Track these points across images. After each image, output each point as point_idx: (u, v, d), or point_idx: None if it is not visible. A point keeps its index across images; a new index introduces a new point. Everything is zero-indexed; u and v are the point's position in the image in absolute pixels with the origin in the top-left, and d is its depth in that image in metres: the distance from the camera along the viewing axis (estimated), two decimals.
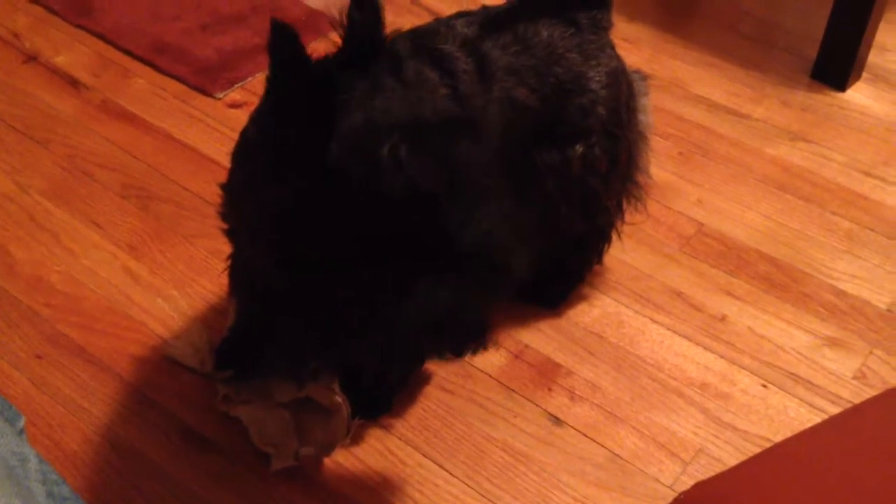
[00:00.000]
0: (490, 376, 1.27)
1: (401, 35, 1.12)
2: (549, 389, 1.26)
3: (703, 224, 1.50)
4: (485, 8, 1.18)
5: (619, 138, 1.22)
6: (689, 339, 1.33)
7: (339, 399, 1.15)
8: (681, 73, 1.80)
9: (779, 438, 1.20)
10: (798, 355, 1.31)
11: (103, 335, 1.29)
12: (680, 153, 1.63)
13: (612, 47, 1.22)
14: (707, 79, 1.79)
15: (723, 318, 1.36)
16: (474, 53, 1.10)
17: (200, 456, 1.17)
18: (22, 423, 0.79)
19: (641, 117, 1.27)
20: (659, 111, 1.70)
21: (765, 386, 1.28)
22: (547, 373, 1.28)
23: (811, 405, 1.25)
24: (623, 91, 1.22)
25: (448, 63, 1.07)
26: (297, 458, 1.14)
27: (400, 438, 1.20)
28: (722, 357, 1.31)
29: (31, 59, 1.75)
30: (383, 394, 1.22)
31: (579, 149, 1.18)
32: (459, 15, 1.17)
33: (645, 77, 1.28)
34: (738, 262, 1.44)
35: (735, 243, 1.47)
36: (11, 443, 0.73)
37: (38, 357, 1.26)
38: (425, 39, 1.10)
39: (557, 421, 1.23)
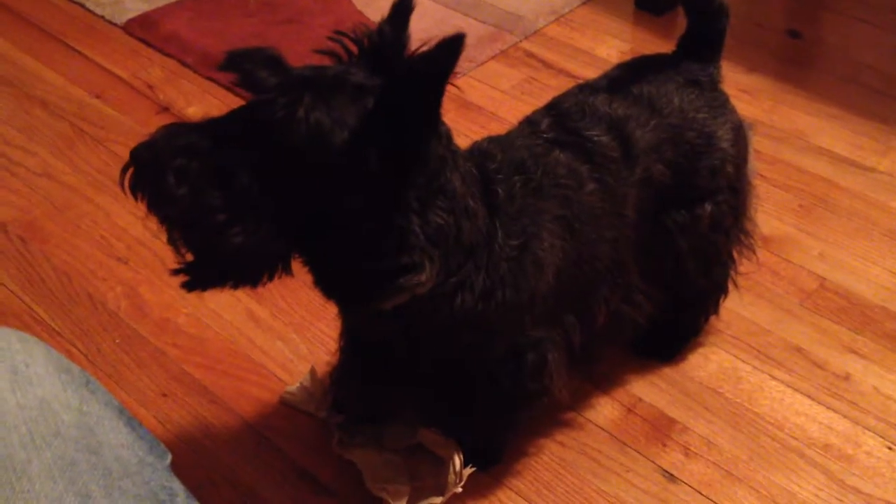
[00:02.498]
0: (602, 429, 1.26)
1: (542, 111, 1.15)
2: (664, 445, 1.24)
3: (825, 279, 1.46)
4: (607, 77, 1.19)
5: (740, 192, 1.21)
6: (811, 398, 1.29)
7: (451, 447, 1.16)
8: (801, 124, 1.77)
9: None
10: None
11: (225, 376, 1.34)
12: (801, 206, 1.60)
13: (729, 100, 1.22)
14: (829, 130, 1.75)
15: (846, 377, 1.32)
16: (619, 136, 1.10)
17: (315, 497, 1.19)
18: (169, 459, 0.82)
19: (750, 166, 1.25)
20: (779, 162, 1.67)
21: (891, 448, 1.23)
22: (661, 427, 1.26)
23: None
24: (743, 145, 1.21)
25: (597, 155, 1.09)
26: None
27: (510, 489, 1.20)
28: (845, 417, 1.27)
29: (164, 109, 1.84)
30: (494, 444, 1.23)
31: (708, 207, 1.17)
32: (591, 90, 1.16)
33: (751, 125, 1.26)
34: (862, 318, 1.40)
35: (859, 299, 1.42)
36: (161, 477, 0.76)
37: (164, 395, 1.31)
38: (571, 122, 1.11)
39: (672, 477, 1.21)
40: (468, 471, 1.16)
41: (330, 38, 0.91)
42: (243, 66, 0.85)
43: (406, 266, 0.92)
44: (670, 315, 1.29)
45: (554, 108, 1.14)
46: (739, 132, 1.20)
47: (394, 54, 0.88)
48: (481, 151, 1.05)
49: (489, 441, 1.22)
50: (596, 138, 1.09)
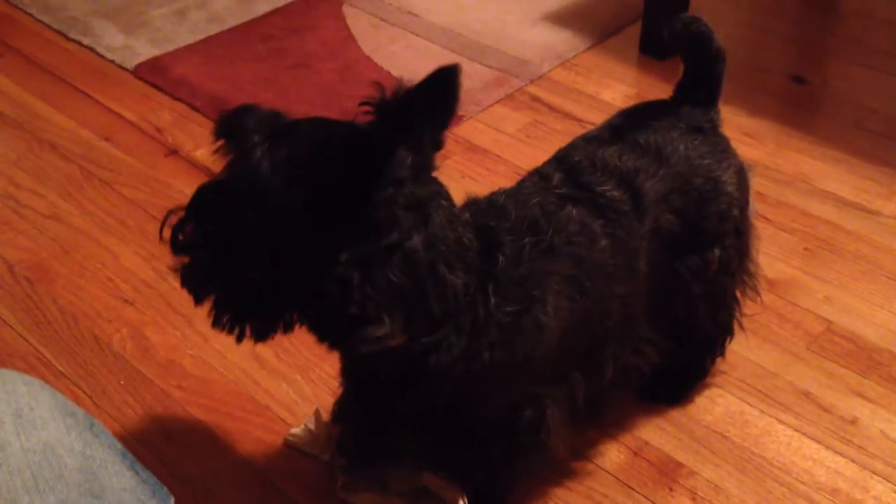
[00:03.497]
0: (609, 473, 1.25)
1: (552, 164, 1.15)
2: (670, 489, 1.23)
3: (831, 322, 1.46)
4: (609, 126, 1.20)
5: (744, 234, 1.22)
6: (819, 442, 1.28)
7: (455, 491, 1.15)
8: (805, 167, 1.78)
9: None
10: None
11: (230, 418, 1.33)
12: (806, 249, 1.60)
13: (731, 144, 1.23)
14: (833, 174, 1.76)
15: (854, 421, 1.31)
16: (629, 189, 1.11)
17: None
18: (171, 503, 0.83)
19: (751, 207, 1.26)
20: (784, 206, 1.68)
21: None
22: (668, 472, 1.25)
23: None
24: (745, 188, 1.22)
25: (610, 210, 1.09)
26: None
27: None
28: (853, 462, 1.26)
29: (173, 152, 1.86)
30: (498, 489, 1.22)
31: (717, 252, 1.18)
32: (598, 141, 1.17)
33: (750, 167, 1.27)
34: (869, 362, 1.39)
35: (866, 343, 1.42)
36: None
37: (168, 438, 1.31)
38: (583, 176, 1.11)
39: None
40: None
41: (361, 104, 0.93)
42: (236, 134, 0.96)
43: (358, 317, 0.91)
44: (676, 359, 1.29)
45: (564, 162, 1.14)
46: (742, 175, 1.21)
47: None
48: (496, 208, 1.05)
49: (492, 485, 1.21)
50: (608, 193, 1.09)
